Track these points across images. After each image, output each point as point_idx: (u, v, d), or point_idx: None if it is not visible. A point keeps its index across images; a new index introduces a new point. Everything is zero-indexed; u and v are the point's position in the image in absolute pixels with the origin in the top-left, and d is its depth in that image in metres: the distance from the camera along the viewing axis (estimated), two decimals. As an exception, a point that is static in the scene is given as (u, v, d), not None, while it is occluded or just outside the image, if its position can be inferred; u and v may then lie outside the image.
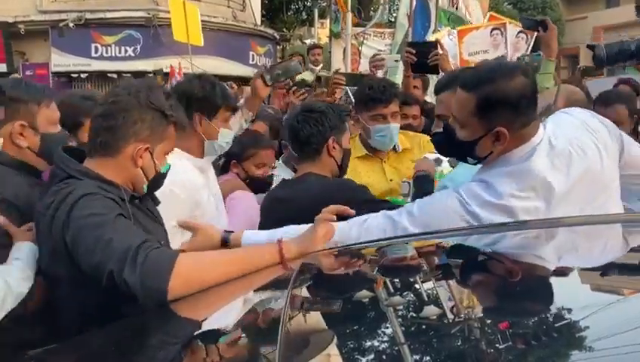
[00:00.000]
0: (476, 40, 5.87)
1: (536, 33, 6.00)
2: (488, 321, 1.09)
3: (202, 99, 2.27)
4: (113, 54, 13.08)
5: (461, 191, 1.66)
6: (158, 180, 1.78)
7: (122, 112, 1.64)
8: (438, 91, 2.40)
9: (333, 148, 2.28)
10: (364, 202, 2.14)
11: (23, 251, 1.69)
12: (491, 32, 5.92)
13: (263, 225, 2.42)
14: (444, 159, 2.41)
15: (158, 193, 1.89)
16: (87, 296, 1.51)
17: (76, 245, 1.46)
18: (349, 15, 8.13)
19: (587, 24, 21.95)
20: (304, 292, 1.31)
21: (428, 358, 0.98)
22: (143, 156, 1.68)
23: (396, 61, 4.41)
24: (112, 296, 1.38)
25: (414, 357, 0.97)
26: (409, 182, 2.45)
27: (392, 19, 12.81)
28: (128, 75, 12.39)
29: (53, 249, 1.56)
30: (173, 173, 2.07)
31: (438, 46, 3.55)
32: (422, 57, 3.49)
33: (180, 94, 2.25)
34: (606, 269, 1.35)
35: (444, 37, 6.90)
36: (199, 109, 2.26)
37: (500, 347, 0.92)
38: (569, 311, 1.06)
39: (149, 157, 1.69)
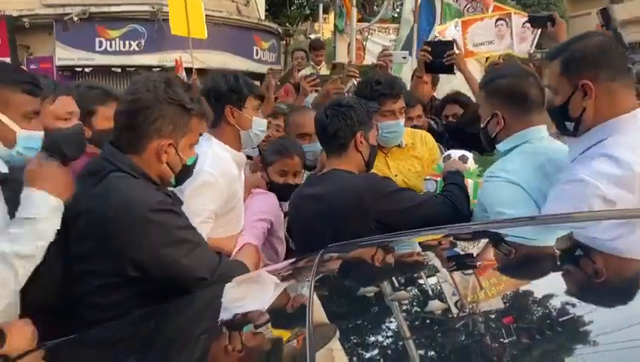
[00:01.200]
0: (481, 30, 5.82)
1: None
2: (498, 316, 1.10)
3: (228, 91, 2.32)
4: (117, 48, 13.05)
5: (581, 175, 1.66)
6: (185, 173, 1.81)
7: (143, 110, 1.67)
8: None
9: (361, 143, 2.28)
10: (391, 193, 2.17)
11: (41, 208, 1.59)
12: (496, 22, 5.88)
13: (293, 222, 2.46)
14: (470, 156, 2.44)
15: (199, 178, 1.98)
16: (131, 291, 1.61)
17: (154, 248, 1.57)
18: (354, 10, 8.11)
19: (591, 20, 21.82)
20: (326, 282, 1.33)
21: (441, 350, 1.00)
22: (168, 151, 1.71)
23: (404, 58, 4.37)
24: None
25: (423, 350, 0.99)
26: (436, 180, 2.45)
27: (396, 15, 12.79)
28: (132, 69, 12.41)
29: (99, 243, 1.59)
30: (216, 161, 2.17)
31: (454, 45, 3.56)
32: (437, 57, 3.49)
33: (207, 92, 2.34)
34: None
35: (450, 27, 6.87)
36: (228, 102, 2.31)
37: (506, 341, 0.94)
38: (573, 305, 1.07)
39: (174, 152, 1.72)
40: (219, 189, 2.17)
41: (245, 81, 2.42)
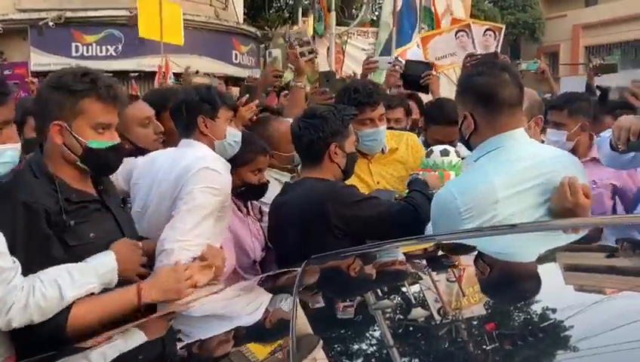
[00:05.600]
0: (441, 45, 5.87)
1: (503, 28, 6.08)
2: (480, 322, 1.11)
3: (200, 101, 2.30)
4: (94, 53, 12.87)
5: None
6: (94, 157, 1.81)
7: (37, 101, 1.86)
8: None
9: (335, 153, 2.26)
10: (352, 203, 2.17)
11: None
12: (456, 34, 5.94)
13: (270, 229, 2.46)
14: (452, 150, 2.46)
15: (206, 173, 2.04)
16: None
17: None
18: (333, 14, 8.14)
19: (567, 22, 22.23)
20: (309, 293, 1.32)
21: (425, 358, 1.00)
22: (63, 134, 1.76)
23: (389, 63, 4.42)
24: None
25: (407, 358, 0.98)
26: (418, 174, 2.47)
27: (375, 19, 12.85)
28: (110, 74, 12.24)
29: None
30: (214, 159, 2.19)
31: (433, 68, 3.66)
32: (415, 75, 3.59)
33: (179, 104, 2.33)
34: (588, 269, 1.37)
35: (413, 48, 6.94)
36: (200, 113, 2.29)
37: (488, 348, 0.94)
38: (554, 310, 1.07)
39: (68, 133, 1.76)
40: (225, 184, 2.15)
41: (218, 91, 2.41)
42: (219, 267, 2.03)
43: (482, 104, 1.83)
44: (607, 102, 3.62)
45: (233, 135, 2.37)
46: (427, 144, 2.94)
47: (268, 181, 2.59)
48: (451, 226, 1.73)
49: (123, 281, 1.79)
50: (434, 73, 3.58)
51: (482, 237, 1.64)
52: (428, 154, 2.56)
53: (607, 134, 2.15)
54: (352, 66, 8.75)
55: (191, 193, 2.03)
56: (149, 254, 2.00)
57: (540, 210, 1.72)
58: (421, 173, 2.47)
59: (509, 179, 1.72)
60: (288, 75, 6.51)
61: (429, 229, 1.93)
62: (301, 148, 2.34)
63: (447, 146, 2.50)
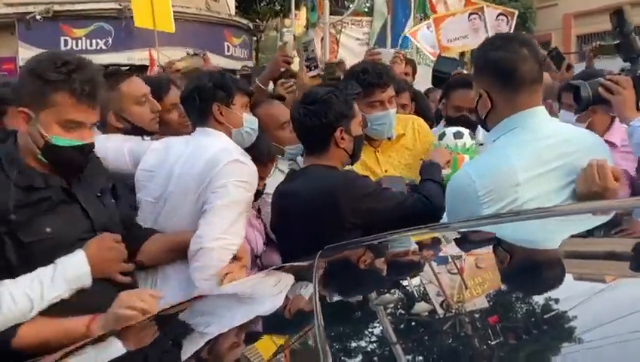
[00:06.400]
0: (454, 26, 5.84)
1: (516, 14, 6.02)
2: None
3: (214, 87, 2.19)
4: (84, 47, 12.65)
5: None
6: (55, 154, 1.70)
7: (17, 82, 1.77)
8: None
9: (342, 139, 2.13)
10: (366, 196, 2.08)
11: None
12: (469, 17, 5.89)
13: (273, 219, 2.36)
14: (465, 132, 2.38)
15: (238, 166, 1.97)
16: None
17: None
18: (327, 3, 8.02)
19: (558, 11, 22.19)
20: (329, 284, 1.27)
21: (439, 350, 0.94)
22: (30, 123, 1.67)
23: (394, 54, 4.35)
24: None
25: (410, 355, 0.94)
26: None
27: (366, 10, 12.75)
28: (101, 68, 12.10)
29: None
30: (240, 151, 2.11)
31: (462, 65, 3.64)
32: (446, 73, 3.54)
33: (191, 91, 2.22)
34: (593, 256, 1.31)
35: (422, 29, 6.87)
36: (215, 99, 2.18)
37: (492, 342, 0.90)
38: (557, 301, 1.03)
39: (34, 124, 1.66)
40: (254, 176, 2.07)
41: (231, 77, 2.31)
42: (246, 262, 2.00)
43: (500, 81, 1.73)
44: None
45: (250, 122, 2.28)
46: (448, 120, 2.86)
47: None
48: (469, 211, 1.64)
49: (102, 279, 1.73)
50: (464, 71, 3.49)
51: (503, 224, 1.56)
52: (440, 137, 2.46)
53: (637, 123, 2.03)
54: (346, 56, 8.66)
55: (225, 187, 1.94)
56: (181, 247, 1.92)
57: (564, 193, 1.64)
58: None
59: (530, 160, 1.63)
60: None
61: (446, 219, 1.86)
62: (304, 137, 2.20)
63: (460, 128, 2.40)
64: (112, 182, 1.99)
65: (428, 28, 6.26)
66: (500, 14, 5.93)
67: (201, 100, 2.17)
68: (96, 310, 1.67)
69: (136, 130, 2.42)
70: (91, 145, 1.79)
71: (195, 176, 2.02)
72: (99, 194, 1.89)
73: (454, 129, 2.42)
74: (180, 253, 2.00)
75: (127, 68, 11.64)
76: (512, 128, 1.72)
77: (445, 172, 2.31)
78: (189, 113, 2.29)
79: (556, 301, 1.04)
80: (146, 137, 2.42)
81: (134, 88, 2.47)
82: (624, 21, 2.19)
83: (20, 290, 1.59)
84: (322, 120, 2.10)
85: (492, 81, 1.75)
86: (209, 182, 1.97)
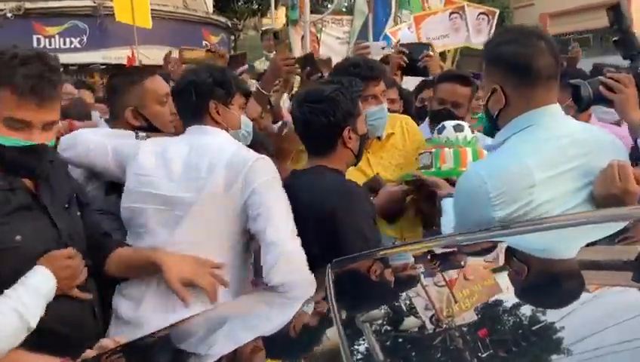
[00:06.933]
0: (435, 25, 5.81)
1: (497, 13, 5.99)
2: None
3: (214, 84, 2.03)
4: (57, 46, 12.33)
5: None
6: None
7: None
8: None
9: (350, 138, 2.00)
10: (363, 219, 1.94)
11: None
12: (450, 16, 5.87)
13: None
14: (465, 125, 2.31)
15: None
16: None
17: None
18: (307, 2, 7.93)
19: (534, 11, 22.45)
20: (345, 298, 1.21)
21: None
22: None
23: (383, 48, 4.23)
24: None
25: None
26: (430, 152, 2.29)
27: (344, 9, 12.70)
28: (75, 67, 11.81)
29: None
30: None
31: (430, 48, 3.51)
32: (413, 59, 3.42)
33: (187, 85, 2.03)
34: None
35: (403, 29, 6.83)
36: (213, 97, 2.02)
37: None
38: (544, 313, 1.01)
39: None
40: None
41: (233, 75, 2.17)
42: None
43: (515, 76, 1.64)
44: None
45: (246, 124, 2.16)
46: (432, 114, 2.75)
47: None
48: (480, 213, 1.56)
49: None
50: (431, 53, 3.40)
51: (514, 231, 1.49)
52: (440, 131, 2.35)
53: None
54: (327, 55, 8.60)
55: (268, 185, 1.82)
56: (139, 265, 1.83)
57: (580, 195, 1.56)
58: (433, 150, 2.30)
59: (545, 160, 1.55)
60: (261, 64, 6.28)
61: (443, 223, 1.78)
62: (309, 137, 2.06)
63: (460, 121, 2.31)
64: (75, 191, 1.87)
65: (409, 29, 6.22)
66: (481, 13, 5.92)
67: (198, 96, 2.00)
68: (62, 326, 1.62)
69: (152, 130, 2.25)
70: (45, 147, 1.62)
71: (217, 181, 1.83)
72: (66, 206, 1.77)
73: (453, 122, 2.32)
74: (137, 270, 1.89)
75: (104, 67, 11.45)
76: (526, 126, 1.64)
77: (446, 166, 2.23)
78: (181, 109, 2.11)
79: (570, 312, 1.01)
80: (140, 133, 2.22)
81: (158, 86, 2.32)
82: (622, 16, 2.09)
83: (8, 307, 1.49)
84: (330, 119, 1.96)
85: (507, 76, 1.66)
86: (244, 184, 1.81)
